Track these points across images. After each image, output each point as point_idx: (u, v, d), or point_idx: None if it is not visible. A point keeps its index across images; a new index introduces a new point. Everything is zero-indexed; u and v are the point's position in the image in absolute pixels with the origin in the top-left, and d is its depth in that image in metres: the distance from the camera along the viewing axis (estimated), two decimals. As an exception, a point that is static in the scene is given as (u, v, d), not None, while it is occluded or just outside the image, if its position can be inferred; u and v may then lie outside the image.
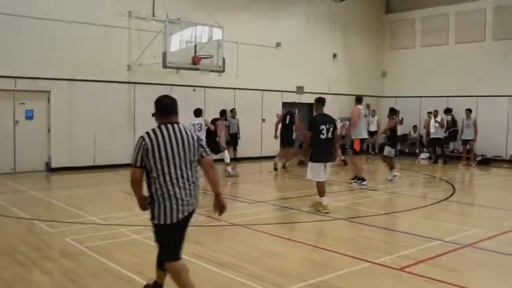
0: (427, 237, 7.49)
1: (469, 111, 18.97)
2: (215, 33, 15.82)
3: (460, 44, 21.55)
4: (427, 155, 20.81)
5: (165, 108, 4.81)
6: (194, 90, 17.22)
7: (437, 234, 7.66)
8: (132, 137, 15.96)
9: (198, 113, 13.80)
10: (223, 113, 15.28)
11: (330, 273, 5.71)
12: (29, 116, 14.37)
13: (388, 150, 13.99)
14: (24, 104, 14.31)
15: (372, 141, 22.70)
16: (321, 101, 9.91)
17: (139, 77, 16.13)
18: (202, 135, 12.97)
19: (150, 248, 6.73)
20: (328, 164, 9.52)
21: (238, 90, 18.49)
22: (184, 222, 4.68)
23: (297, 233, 7.95)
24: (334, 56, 22.33)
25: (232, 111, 18.13)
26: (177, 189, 4.48)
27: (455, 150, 20.63)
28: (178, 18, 15.45)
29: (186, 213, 4.61)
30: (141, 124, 16.04)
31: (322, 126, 9.36)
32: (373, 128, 22.42)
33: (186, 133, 4.63)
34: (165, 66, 14.69)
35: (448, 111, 20.13)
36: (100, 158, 15.01)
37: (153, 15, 16.04)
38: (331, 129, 9.43)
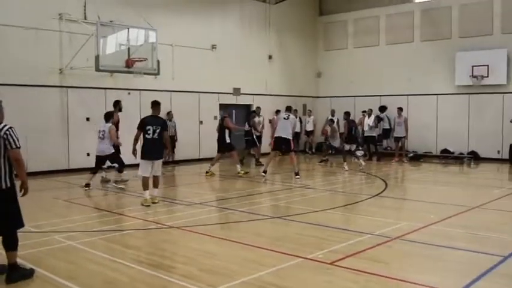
0: (357, 231, 7.77)
1: (400, 109, 19.71)
2: (149, 35, 15.71)
3: (390, 45, 22.35)
4: (362, 152, 21.40)
5: None
6: (129, 93, 17.02)
7: (367, 228, 7.96)
8: (66, 142, 15.65)
9: (107, 117, 12.73)
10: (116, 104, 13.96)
11: (263, 270, 5.84)
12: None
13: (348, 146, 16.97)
14: None
15: (309, 141, 23.16)
16: (152, 104, 10.57)
17: (72, 81, 15.78)
18: (105, 145, 12.41)
19: (83, 253, 6.71)
20: (157, 162, 10.34)
21: (175, 93, 18.42)
22: None
23: (232, 232, 8.05)
24: (270, 57, 22.63)
25: (169, 113, 18.05)
26: None
27: (389, 148, 21.37)
28: (110, 21, 15.24)
29: None
30: (75, 128, 15.75)
31: (149, 127, 10.16)
32: (309, 128, 22.94)
33: None
34: (98, 69, 14.46)
35: (382, 108, 20.80)
36: (33, 164, 14.48)
37: (85, 18, 15.74)
38: (157, 130, 10.17)
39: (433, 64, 20.94)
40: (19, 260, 5.77)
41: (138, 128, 10.32)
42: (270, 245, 7.01)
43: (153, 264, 6.17)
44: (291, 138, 14.30)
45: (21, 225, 5.79)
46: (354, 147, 17.14)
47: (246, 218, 9.09)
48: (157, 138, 10.20)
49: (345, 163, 16.41)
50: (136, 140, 10.36)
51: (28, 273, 5.66)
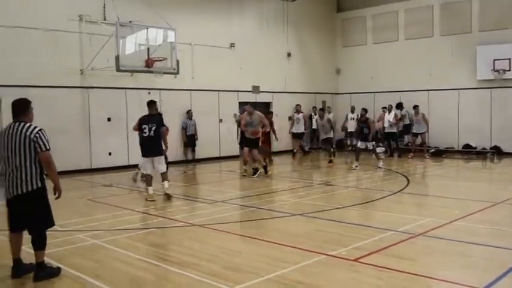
0: (380, 228, 7.73)
1: (416, 107, 19.50)
2: (168, 35, 15.78)
3: (409, 40, 22.15)
4: (383, 149, 21.27)
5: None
6: (149, 93, 17.11)
7: (390, 225, 7.91)
8: (88, 142, 15.83)
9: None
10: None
11: (287, 267, 5.84)
12: (-21, 125, 14.05)
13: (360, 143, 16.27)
14: (-27, 113, 13.98)
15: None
16: (148, 104, 10.91)
17: (93, 82, 15.95)
18: None
19: (108, 252, 6.78)
20: (156, 158, 10.68)
21: (194, 92, 18.50)
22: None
23: (255, 230, 8.07)
24: (289, 54, 22.58)
25: (189, 112, 18.14)
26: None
27: (409, 144, 21.17)
28: (129, 21, 15.35)
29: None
30: (96, 128, 15.91)
31: (145, 126, 10.58)
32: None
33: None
34: (118, 69, 14.57)
35: (399, 106, 20.66)
36: (56, 164, 14.60)
37: (104, 19, 15.89)
38: (153, 128, 10.51)
39: (453, 59, 20.70)
40: (46, 259, 5.85)
41: (134, 128, 11.03)
42: (293, 242, 7.01)
43: (177, 262, 6.21)
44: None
45: (52, 224, 5.88)
46: (369, 144, 16.12)
47: (268, 215, 9.10)
48: (154, 135, 10.57)
49: (356, 162, 16.07)
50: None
51: (55, 272, 5.75)
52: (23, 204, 5.64)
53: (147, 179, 10.84)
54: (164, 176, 10.89)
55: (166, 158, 13.16)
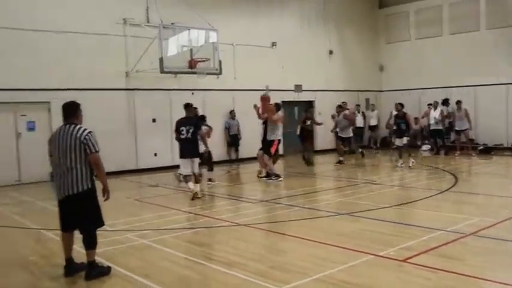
0: (429, 228, 7.57)
1: (459, 103, 19.00)
2: (210, 36, 15.91)
3: (454, 35, 21.65)
4: (429, 146, 20.88)
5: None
6: (193, 93, 17.32)
7: (439, 224, 7.75)
8: (134, 142, 16.13)
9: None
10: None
11: (334, 267, 5.80)
12: (31, 127, 14.52)
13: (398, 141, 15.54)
14: (25, 115, 14.46)
15: (373, 136, 22.80)
16: (185, 107, 11.14)
17: (138, 84, 16.26)
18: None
19: (156, 251, 6.89)
20: (196, 160, 10.89)
21: (237, 92, 18.57)
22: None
23: (300, 229, 8.03)
24: (330, 52, 22.43)
25: (232, 112, 18.24)
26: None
27: (455, 141, 20.69)
28: (172, 23, 15.59)
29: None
30: (142, 129, 16.20)
31: (182, 128, 10.76)
32: (373, 123, 22.57)
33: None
34: (162, 71, 14.81)
35: (445, 102, 20.18)
36: (105, 165, 14.94)
37: (148, 22, 16.17)
38: (190, 130, 10.69)
39: (500, 53, 20.09)
40: (97, 258, 5.98)
41: (174, 131, 11.12)
42: (340, 241, 6.95)
43: (224, 261, 6.25)
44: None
45: (102, 224, 6.02)
46: (404, 140, 15.33)
47: (313, 215, 9.06)
48: (191, 137, 10.74)
49: (400, 160, 15.43)
50: (177, 140, 11.08)
51: (105, 271, 5.88)
52: (74, 205, 5.79)
53: (188, 179, 11.02)
54: (198, 179, 11.13)
55: (211, 158, 13.35)
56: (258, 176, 13.95)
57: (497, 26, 20.30)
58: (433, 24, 22.40)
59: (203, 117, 13.65)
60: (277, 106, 14.01)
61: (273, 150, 13.41)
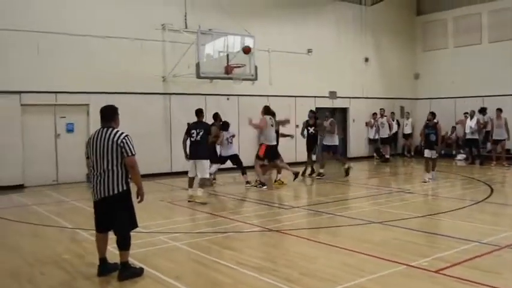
0: (463, 239, 7.47)
1: (499, 110, 18.60)
2: (246, 42, 16.01)
3: (494, 43, 21.25)
4: (464, 156, 20.52)
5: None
6: (228, 99, 17.48)
7: (474, 236, 7.63)
8: (169, 146, 16.35)
9: (226, 126, 13.97)
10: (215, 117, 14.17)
11: (364, 276, 5.78)
12: (70, 129, 14.88)
13: (427, 152, 14.27)
14: (64, 117, 14.83)
15: (408, 144, 22.56)
16: (196, 113, 11.63)
17: (175, 88, 16.51)
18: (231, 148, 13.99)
19: (188, 254, 6.99)
20: (199, 162, 11.03)
21: (272, 98, 18.61)
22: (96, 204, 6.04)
23: (331, 236, 8.02)
24: (366, 59, 22.31)
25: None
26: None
27: (492, 151, 20.26)
28: (209, 29, 15.74)
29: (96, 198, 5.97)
30: (177, 133, 16.33)
31: (193, 131, 11.20)
32: (407, 131, 22.35)
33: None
34: (198, 76, 15.00)
35: (482, 110, 19.75)
36: (140, 167, 15.21)
37: (186, 27, 16.39)
38: (201, 133, 11.10)
39: (541, 61, 19.64)
40: (129, 259, 6.09)
41: (185, 133, 11.49)
42: (371, 250, 6.91)
43: (255, 266, 6.29)
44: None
45: (135, 226, 6.14)
46: (434, 153, 14.11)
47: (345, 222, 9.03)
48: (200, 140, 11.09)
49: (427, 174, 14.26)
50: (184, 143, 11.45)
51: (138, 272, 5.98)
52: (109, 206, 5.92)
53: (189, 181, 11.29)
54: (201, 182, 11.15)
55: (240, 163, 13.53)
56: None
57: (538, 34, 19.85)
58: (472, 32, 22.04)
59: (226, 124, 14.01)
60: (265, 109, 13.83)
61: (260, 153, 13.51)
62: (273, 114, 13.81)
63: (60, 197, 12.59)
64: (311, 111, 16.17)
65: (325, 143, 15.42)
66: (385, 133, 20.95)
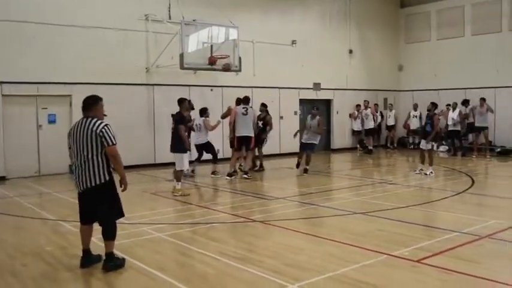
0: (444, 229, 7.57)
1: (482, 99, 18.79)
2: (230, 33, 16.00)
3: (476, 36, 21.45)
4: (446, 147, 20.73)
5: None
6: (212, 90, 17.45)
7: (455, 226, 7.73)
8: (152, 137, 16.29)
9: (202, 112, 14.10)
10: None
11: (348, 266, 5.84)
12: (52, 120, 14.74)
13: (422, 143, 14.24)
14: (46, 108, 14.68)
15: (391, 135, 22.73)
16: (177, 102, 11.54)
17: (158, 79, 16.42)
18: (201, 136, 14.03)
19: (172, 245, 6.99)
20: (174, 155, 11.05)
21: (256, 89, 18.61)
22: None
23: (315, 227, 8.08)
24: (350, 51, 22.38)
25: (249, 109, 18.27)
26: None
27: (473, 142, 20.49)
28: (194, 20, 15.69)
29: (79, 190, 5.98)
30: (161, 124, 16.33)
31: (172, 123, 11.39)
32: (391, 122, 22.51)
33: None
34: (182, 67, 14.94)
35: (465, 102, 19.96)
36: (123, 158, 15.12)
37: (169, 18, 16.29)
38: (174, 125, 11.25)
39: (522, 54, 19.89)
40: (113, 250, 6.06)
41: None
42: (354, 241, 6.98)
43: (239, 257, 6.31)
44: (252, 135, 13.53)
45: (121, 215, 6.11)
46: (428, 144, 13.90)
47: (328, 213, 9.09)
48: (173, 132, 11.18)
49: (421, 165, 14.20)
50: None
51: (122, 263, 5.97)
52: (93, 197, 5.88)
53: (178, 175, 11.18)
54: (176, 175, 11.07)
55: (215, 155, 13.60)
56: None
57: (520, 27, 20.10)
58: (455, 24, 22.22)
59: (204, 110, 14.07)
60: (237, 101, 14.26)
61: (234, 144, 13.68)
62: (246, 101, 13.81)
63: (43, 188, 12.50)
64: (263, 104, 15.33)
65: (308, 142, 14.40)
66: (369, 124, 21.12)
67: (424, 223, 8.11)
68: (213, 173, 13.93)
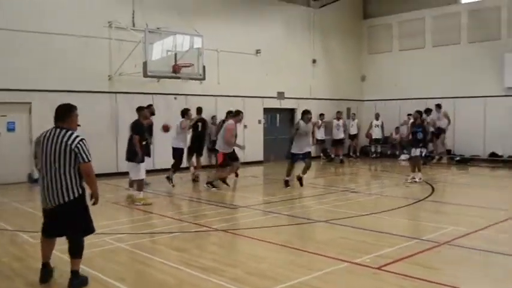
0: (405, 236, 7.69)
1: (438, 106, 19.31)
2: (195, 41, 15.95)
3: (436, 47, 21.98)
4: (407, 156, 21.06)
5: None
6: (176, 98, 17.34)
7: (415, 233, 7.89)
8: (115, 146, 16.06)
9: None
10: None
11: (309, 274, 5.86)
12: (11, 128, 14.38)
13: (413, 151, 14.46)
14: (5, 116, 14.32)
15: (353, 144, 23.01)
16: (136, 110, 11.53)
17: (121, 87, 16.22)
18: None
19: (133, 255, 6.90)
20: (128, 164, 11.07)
21: (220, 98, 18.61)
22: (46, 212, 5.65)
23: (278, 236, 8.08)
24: (314, 61, 22.60)
25: (213, 118, 18.23)
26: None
27: (434, 151, 20.94)
28: (158, 28, 15.58)
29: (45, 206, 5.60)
30: (123, 132, 16.06)
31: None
32: (353, 131, 22.80)
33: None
34: (145, 75, 14.80)
35: (427, 111, 20.37)
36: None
37: (133, 25, 16.16)
38: (130, 133, 11.14)
39: (481, 66, 20.46)
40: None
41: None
42: (317, 248, 7.02)
43: (201, 266, 6.26)
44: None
45: (92, 230, 5.80)
46: (423, 151, 14.32)
47: (291, 221, 9.13)
48: (128, 141, 11.06)
49: (412, 173, 14.32)
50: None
51: (86, 281, 5.65)
52: (64, 213, 5.51)
53: (135, 184, 11.10)
54: (136, 185, 11.00)
55: (176, 164, 13.47)
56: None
57: (478, 39, 20.69)
58: (416, 36, 22.71)
59: (186, 111, 14.10)
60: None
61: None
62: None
63: (0, 198, 12.16)
64: (230, 112, 14.88)
65: (306, 151, 13.40)
66: (339, 135, 21.44)
67: (385, 230, 8.21)
68: (168, 178, 13.66)
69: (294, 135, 13.27)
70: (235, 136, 13.36)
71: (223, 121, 15.00)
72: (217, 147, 13.29)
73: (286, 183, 13.29)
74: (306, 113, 13.39)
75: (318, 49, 22.80)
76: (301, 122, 13.25)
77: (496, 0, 20.35)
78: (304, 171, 13.39)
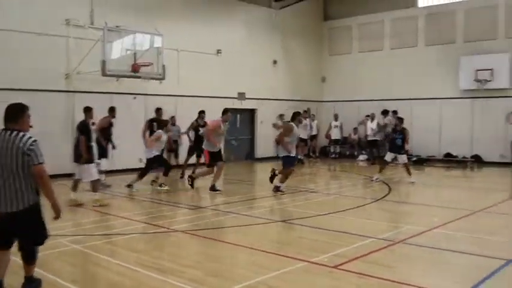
0: (361, 235, 7.81)
1: (395, 112, 19.74)
2: (155, 40, 15.82)
3: (395, 50, 22.45)
4: (366, 156, 21.46)
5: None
6: (135, 98, 17.13)
7: (371, 232, 8.00)
8: (71, 146, 15.71)
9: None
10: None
11: (268, 273, 5.89)
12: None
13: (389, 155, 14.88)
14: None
15: (313, 145, 23.23)
16: (83, 110, 11.51)
17: (79, 86, 15.88)
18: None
19: (88, 257, 6.80)
20: (77, 165, 10.96)
21: (180, 98, 18.49)
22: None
23: (237, 236, 8.10)
24: (275, 62, 22.71)
25: (172, 118, 18.06)
26: None
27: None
28: (117, 26, 15.35)
29: None
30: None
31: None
32: (313, 132, 23.00)
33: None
34: (104, 74, 14.59)
35: (384, 112, 20.82)
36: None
37: (92, 23, 15.87)
38: (76, 134, 11.03)
39: (437, 68, 21.01)
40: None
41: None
42: (275, 248, 7.07)
43: (158, 268, 6.21)
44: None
45: (47, 237, 5.45)
46: (402, 157, 14.65)
47: (250, 221, 9.14)
48: (76, 142, 11.00)
49: (378, 174, 14.80)
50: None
51: (40, 283, 5.52)
52: (18, 222, 5.12)
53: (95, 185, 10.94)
54: (93, 186, 10.93)
55: (148, 164, 13.25)
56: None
57: (434, 42, 21.24)
58: (375, 38, 23.13)
59: (165, 123, 13.79)
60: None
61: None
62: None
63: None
64: (202, 111, 15.56)
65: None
66: (305, 134, 21.58)
67: (342, 230, 8.32)
68: (153, 182, 13.53)
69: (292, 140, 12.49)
70: (222, 134, 13.24)
71: (196, 121, 15.38)
72: (203, 145, 13.11)
73: (277, 189, 12.50)
74: (297, 115, 12.81)
75: (278, 50, 22.92)
76: (293, 125, 12.53)
77: (451, 4, 20.94)
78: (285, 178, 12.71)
